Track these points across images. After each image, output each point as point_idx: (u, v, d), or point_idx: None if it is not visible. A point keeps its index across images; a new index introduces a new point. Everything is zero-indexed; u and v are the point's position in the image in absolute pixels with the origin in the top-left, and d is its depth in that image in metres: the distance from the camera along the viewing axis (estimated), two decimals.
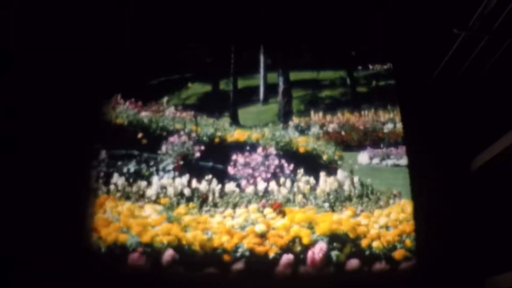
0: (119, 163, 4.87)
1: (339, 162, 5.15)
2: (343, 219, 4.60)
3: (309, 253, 4.48)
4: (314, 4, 5.00)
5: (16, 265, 4.38)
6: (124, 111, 5.15)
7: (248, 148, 5.09)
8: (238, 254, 4.49)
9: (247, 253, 4.49)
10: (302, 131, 5.35)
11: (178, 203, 4.73)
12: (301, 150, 5.20)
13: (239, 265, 4.47)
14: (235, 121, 5.27)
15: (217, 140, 5.15)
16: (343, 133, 5.39)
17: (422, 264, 4.40)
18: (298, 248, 4.51)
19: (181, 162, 4.92)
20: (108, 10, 4.99)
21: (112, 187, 4.78)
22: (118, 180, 4.81)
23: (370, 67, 5.44)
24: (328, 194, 4.83)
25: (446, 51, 4.88)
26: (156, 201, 4.74)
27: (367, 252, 4.47)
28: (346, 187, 4.87)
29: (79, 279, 4.29)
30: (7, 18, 4.54)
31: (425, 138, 5.04)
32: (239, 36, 5.18)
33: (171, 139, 5.05)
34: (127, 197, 4.74)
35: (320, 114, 5.49)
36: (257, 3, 5.03)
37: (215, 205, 4.76)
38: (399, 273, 4.35)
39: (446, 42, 4.80)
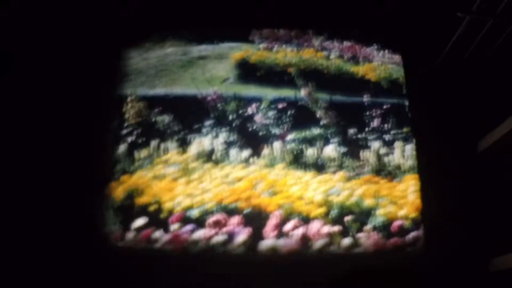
0: None
1: None
2: None
3: None
4: None
5: None
6: None
7: None
8: None
9: None
10: None
11: None
12: None
13: None
14: None
15: None
16: None
17: (427, 244, 4.39)
18: None
19: None
20: None
21: None
22: None
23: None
24: None
25: (451, 35, 4.87)
26: None
27: None
28: None
29: None
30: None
31: (431, 121, 4.96)
32: None
33: None
34: None
35: None
36: None
37: None
38: (402, 253, 4.35)
39: (451, 25, 4.78)
